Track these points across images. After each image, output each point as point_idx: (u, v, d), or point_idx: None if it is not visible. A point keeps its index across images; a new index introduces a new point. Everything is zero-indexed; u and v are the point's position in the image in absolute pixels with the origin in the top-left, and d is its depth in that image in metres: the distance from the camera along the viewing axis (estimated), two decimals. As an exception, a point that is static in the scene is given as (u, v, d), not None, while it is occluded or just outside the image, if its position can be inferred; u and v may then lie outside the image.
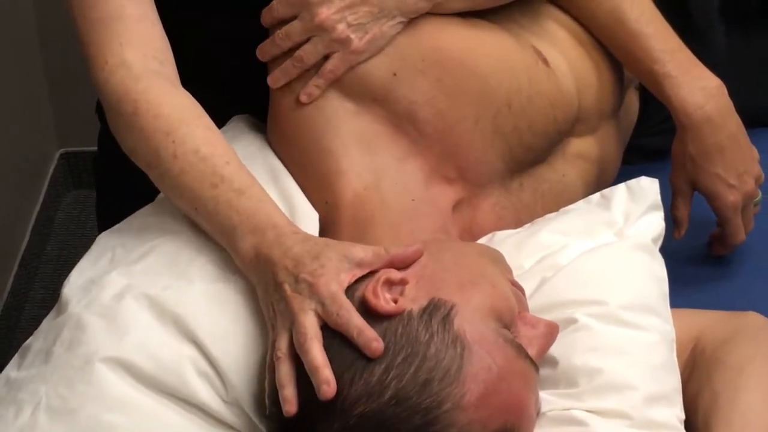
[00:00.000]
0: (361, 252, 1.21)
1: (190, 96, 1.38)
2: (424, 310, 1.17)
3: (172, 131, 1.31)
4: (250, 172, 1.32)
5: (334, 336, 1.16)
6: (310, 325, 1.16)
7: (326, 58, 1.39)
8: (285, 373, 1.16)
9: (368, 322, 1.15)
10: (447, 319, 1.16)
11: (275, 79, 1.42)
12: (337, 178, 1.38)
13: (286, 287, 1.20)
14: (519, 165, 1.45)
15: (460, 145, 1.40)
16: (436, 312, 1.17)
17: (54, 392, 1.25)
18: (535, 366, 1.20)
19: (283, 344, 1.18)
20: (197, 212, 1.31)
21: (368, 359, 1.13)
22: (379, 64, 1.39)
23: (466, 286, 1.20)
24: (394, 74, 1.38)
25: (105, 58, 1.35)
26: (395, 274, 1.20)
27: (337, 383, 1.12)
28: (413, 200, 1.37)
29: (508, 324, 1.20)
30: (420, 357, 1.13)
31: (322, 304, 1.17)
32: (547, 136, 1.47)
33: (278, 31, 1.40)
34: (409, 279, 1.21)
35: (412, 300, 1.18)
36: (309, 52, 1.38)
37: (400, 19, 1.38)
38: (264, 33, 1.45)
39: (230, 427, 1.27)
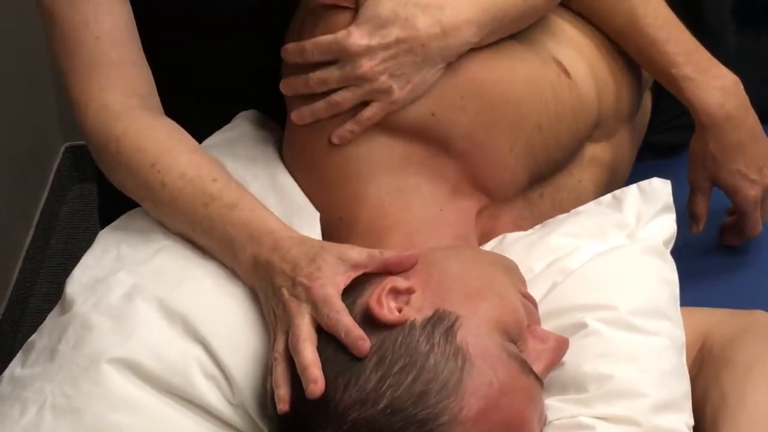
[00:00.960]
0: (356, 254, 1.22)
1: (172, 122, 1.40)
2: (428, 320, 1.16)
3: (156, 161, 1.33)
4: (239, 185, 1.34)
5: (330, 340, 1.16)
6: (304, 327, 1.17)
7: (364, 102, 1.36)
8: (280, 373, 1.17)
9: (369, 329, 1.15)
10: (450, 330, 1.15)
11: (302, 116, 1.38)
12: (360, 200, 1.37)
13: (284, 291, 1.20)
14: (542, 177, 1.45)
15: (493, 170, 1.39)
16: (440, 323, 1.16)
17: (59, 391, 1.24)
18: (540, 382, 1.19)
19: (280, 346, 1.19)
20: (195, 233, 1.32)
21: (365, 365, 1.12)
22: (418, 106, 1.35)
23: (473, 298, 1.19)
24: (433, 114, 1.35)
25: (86, 102, 1.39)
26: (401, 283, 1.19)
27: (331, 387, 1.12)
28: (441, 210, 1.36)
29: (516, 338, 1.19)
30: (418, 368, 1.12)
31: (316, 307, 1.17)
32: (571, 146, 1.47)
33: (313, 75, 1.35)
34: (416, 288, 1.20)
35: (417, 310, 1.17)
36: (347, 99, 1.34)
37: (441, 65, 1.34)
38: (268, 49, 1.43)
39: (236, 429, 1.26)
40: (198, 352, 1.25)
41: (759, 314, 1.41)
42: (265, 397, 1.22)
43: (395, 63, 1.32)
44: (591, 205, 1.45)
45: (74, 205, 3.06)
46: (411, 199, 1.36)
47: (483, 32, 1.35)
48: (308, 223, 1.36)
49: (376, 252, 1.22)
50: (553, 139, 1.42)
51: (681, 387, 1.27)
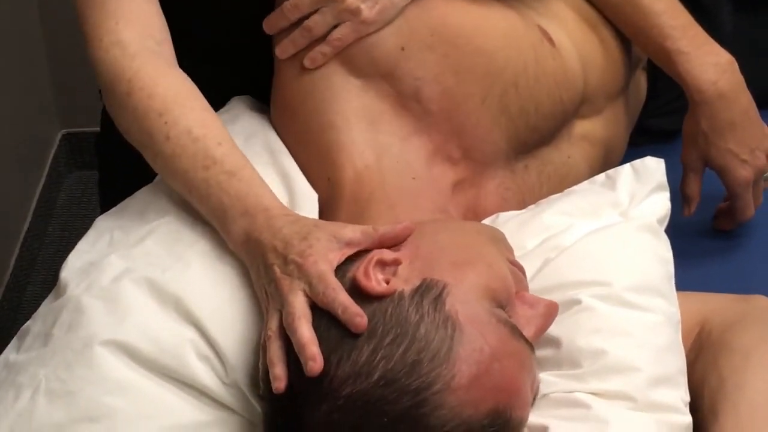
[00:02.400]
0: (350, 232, 1.21)
1: (186, 76, 1.37)
2: (415, 290, 1.16)
3: (165, 112, 1.31)
4: (243, 154, 1.32)
5: (322, 317, 1.15)
6: (298, 304, 1.16)
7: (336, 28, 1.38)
8: (274, 351, 1.16)
9: (359, 303, 1.14)
10: (439, 299, 1.15)
11: (284, 49, 1.41)
12: (339, 153, 1.37)
13: (276, 269, 1.20)
14: (524, 146, 1.44)
15: (465, 123, 1.39)
16: (428, 292, 1.16)
17: (53, 375, 1.24)
18: (531, 346, 1.19)
19: (273, 324, 1.18)
20: (190, 194, 1.31)
21: (356, 339, 1.12)
22: (387, 37, 1.37)
23: (460, 266, 1.19)
24: (402, 48, 1.37)
25: (101, 36, 1.35)
26: (388, 255, 1.19)
27: (325, 364, 1.11)
28: (414, 179, 1.36)
29: (504, 304, 1.19)
30: (409, 338, 1.12)
31: (310, 284, 1.17)
32: (553, 117, 1.46)
33: (286, 3, 1.39)
34: (402, 259, 1.20)
35: (405, 280, 1.17)
36: (318, 23, 1.37)
37: None
38: (266, 9, 1.44)
39: (230, 409, 1.26)
40: (191, 333, 1.25)
41: (759, 299, 1.41)
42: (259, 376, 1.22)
43: None
44: (585, 184, 1.45)
45: (71, 192, 3.06)
46: (384, 162, 1.36)
47: None
48: (308, 206, 1.36)
49: (369, 229, 1.22)
50: (532, 104, 1.42)
51: (676, 363, 1.27)
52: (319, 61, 1.38)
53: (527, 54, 1.42)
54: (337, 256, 1.19)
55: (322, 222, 1.25)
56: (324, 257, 1.18)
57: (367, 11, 1.36)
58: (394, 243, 1.22)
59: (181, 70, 1.38)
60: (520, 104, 1.41)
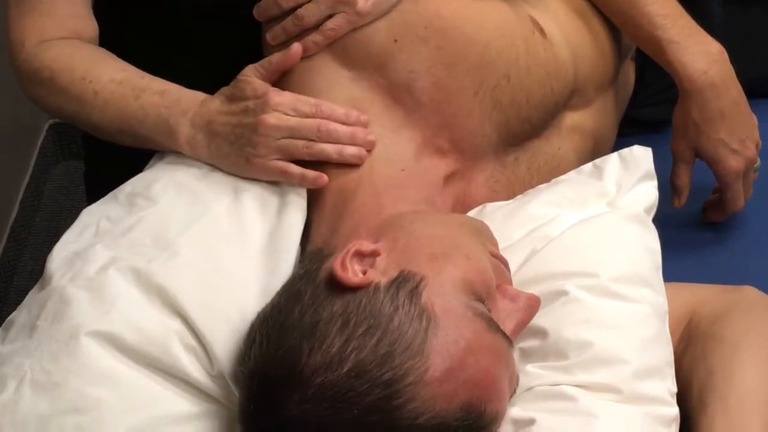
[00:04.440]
0: (251, 69, 1.37)
1: (97, 46, 1.51)
2: (392, 282, 1.16)
3: (86, 74, 1.43)
4: (165, 81, 1.42)
5: (294, 306, 1.16)
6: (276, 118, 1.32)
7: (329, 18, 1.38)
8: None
9: (335, 294, 1.15)
10: (415, 291, 1.15)
11: (275, 35, 1.41)
12: None
13: (241, 118, 1.34)
14: (515, 138, 1.44)
15: (457, 116, 1.38)
16: (405, 284, 1.16)
17: (39, 366, 1.24)
18: (509, 341, 1.19)
19: (280, 162, 1.34)
20: (130, 126, 1.41)
21: (328, 329, 1.12)
22: (381, 28, 1.37)
23: (438, 258, 1.19)
24: (395, 40, 1.37)
25: (23, 41, 1.49)
26: (366, 246, 1.20)
27: (296, 353, 1.12)
28: (402, 170, 1.36)
29: (484, 297, 1.19)
30: (382, 329, 1.12)
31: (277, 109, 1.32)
32: (543, 108, 1.45)
33: None
34: (381, 251, 1.20)
35: (382, 272, 1.17)
36: (311, 12, 1.37)
37: None
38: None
39: (216, 399, 1.26)
40: (177, 324, 1.25)
41: (747, 289, 1.40)
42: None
43: None
44: (572, 173, 1.44)
45: (59, 182, 3.05)
46: (373, 153, 1.35)
47: None
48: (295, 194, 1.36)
49: (263, 62, 1.36)
50: (523, 96, 1.41)
51: (663, 354, 1.27)
52: (311, 51, 1.38)
53: (519, 45, 1.41)
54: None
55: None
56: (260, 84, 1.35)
57: (363, 3, 1.35)
58: (284, 66, 1.36)
59: (92, 44, 1.50)
60: (512, 96, 1.41)
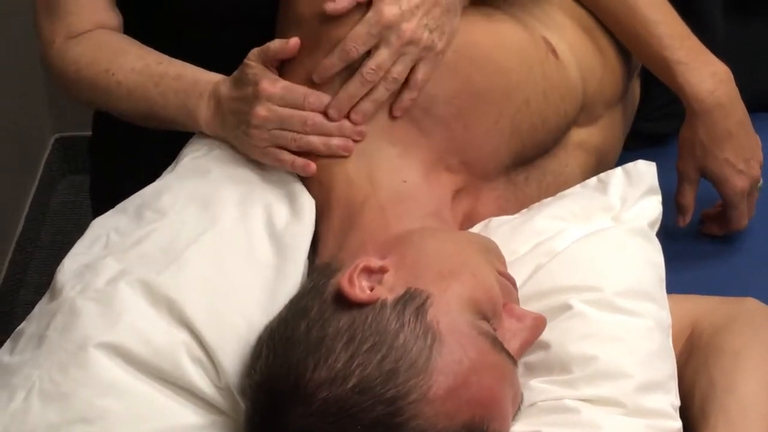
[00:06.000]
0: (252, 55, 1.38)
1: (120, 34, 1.56)
2: (398, 299, 1.17)
3: (110, 65, 1.48)
4: (183, 63, 1.46)
5: (299, 321, 1.17)
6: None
7: None
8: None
9: (342, 309, 1.16)
10: (421, 309, 1.16)
11: (365, 113, 1.35)
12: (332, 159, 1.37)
13: (240, 105, 1.37)
14: (527, 159, 1.44)
15: (472, 143, 1.38)
16: (411, 302, 1.16)
17: (47, 377, 1.24)
18: (513, 360, 1.19)
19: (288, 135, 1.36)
20: (155, 111, 1.46)
21: (334, 345, 1.13)
22: None
23: (445, 276, 1.20)
24: None
25: (53, 38, 1.53)
26: (374, 262, 1.20)
27: (301, 367, 1.12)
28: (405, 182, 1.35)
29: (489, 316, 1.20)
30: (387, 346, 1.13)
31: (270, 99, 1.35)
32: (557, 129, 1.46)
33: (367, 70, 1.33)
34: (389, 267, 1.20)
35: (390, 289, 1.18)
36: (401, 72, 1.34)
37: (460, 10, 1.37)
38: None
39: (223, 412, 1.27)
40: (184, 336, 1.26)
41: (749, 301, 1.41)
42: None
43: (429, 18, 1.33)
44: (576, 188, 1.45)
45: (64, 196, 3.06)
46: (381, 167, 1.35)
47: None
48: (306, 206, 1.37)
49: (264, 47, 1.37)
50: (539, 119, 1.42)
51: (667, 368, 1.27)
52: (408, 109, 1.35)
53: (536, 70, 1.41)
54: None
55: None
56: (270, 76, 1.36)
57: (440, 43, 1.34)
58: (282, 57, 1.37)
59: (116, 32, 1.56)
60: (530, 121, 1.41)
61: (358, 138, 1.35)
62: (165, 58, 1.47)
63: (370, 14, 1.33)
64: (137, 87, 1.46)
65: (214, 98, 1.41)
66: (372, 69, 1.33)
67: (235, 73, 1.40)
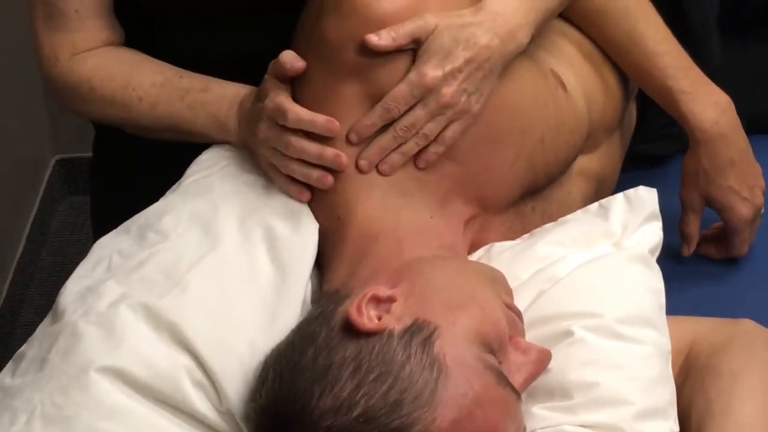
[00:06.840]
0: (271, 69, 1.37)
1: (130, 49, 1.54)
2: (406, 330, 1.17)
3: (129, 82, 1.48)
4: (204, 76, 1.47)
5: (306, 348, 1.17)
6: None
7: None
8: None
9: (349, 338, 1.16)
10: (428, 341, 1.16)
11: (392, 166, 1.34)
12: (358, 196, 1.35)
13: (254, 121, 1.38)
14: (537, 191, 1.45)
15: (491, 182, 1.38)
16: (418, 333, 1.16)
17: (49, 400, 1.24)
18: (517, 394, 1.19)
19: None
20: (181, 126, 1.46)
21: (340, 373, 1.13)
22: None
23: (453, 309, 1.20)
24: None
25: (58, 56, 1.52)
26: (383, 291, 1.21)
27: (307, 394, 1.13)
28: (432, 218, 1.35)
29: (496, 349, 1.20)
30: (393, 377, 1.13)
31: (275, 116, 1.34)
32: (567, 162, 1.47)
33: (400, 126, 1.33)
34: (397, 297, 1.21)
35: (397, 319, 1.18)
36: (433, 130, 1.33)
37: (501, 70, 1.35)
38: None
39: (224, 436, 1.27)
40: (186, 360, 1.26)
41: (746, 323, 1.41)
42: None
43: (469, 82, 1.32)
44: (578, 213, 1.45)
45: (65, 217, 3.05)
46: (401, 204, 1.35)
47: (532, 31, 1.37)
48: (311, 229, 1.36)
49: (275, 60, 1.36)
50: (552, 154, 1.42)
51: (666, 394, 1.28)
52: (432, 162, 1.35)
53: (549, 106, 1.42)
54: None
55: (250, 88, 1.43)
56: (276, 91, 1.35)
57: (476, 106, 1.34)
58: (286, 70, 1.35)
59: (124, 47, 1.54)
60: (545, 157, 1.41)
61: (338, 168, 1.33)
62: (184, 72, 1.47)
63: (412, 75, 1.31)
64: (161, 101, 1.46)
65: (241, 111, 1.42)
66: (406, 127, 1.33)
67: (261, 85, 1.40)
